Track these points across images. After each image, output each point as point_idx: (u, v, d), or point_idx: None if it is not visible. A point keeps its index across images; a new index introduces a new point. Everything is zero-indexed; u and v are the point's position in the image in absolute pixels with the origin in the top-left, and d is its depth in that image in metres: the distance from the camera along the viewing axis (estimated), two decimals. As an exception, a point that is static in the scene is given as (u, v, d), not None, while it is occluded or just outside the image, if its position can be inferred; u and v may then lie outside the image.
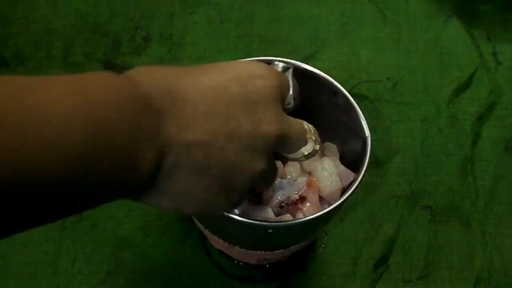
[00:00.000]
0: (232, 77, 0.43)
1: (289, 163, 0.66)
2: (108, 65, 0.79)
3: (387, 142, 0.76)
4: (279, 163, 0.65)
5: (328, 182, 0.62)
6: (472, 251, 0.70)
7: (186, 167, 0.38)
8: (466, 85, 0.80)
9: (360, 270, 0.68)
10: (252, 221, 0.51)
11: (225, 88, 0.41)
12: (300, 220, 0.56)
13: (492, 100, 0.79)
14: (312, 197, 0.61)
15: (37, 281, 0.66)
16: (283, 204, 0.61)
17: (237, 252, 0.63)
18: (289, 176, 0.63)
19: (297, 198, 0.61)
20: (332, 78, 0.64)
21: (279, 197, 0.60)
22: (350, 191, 0.57)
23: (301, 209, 0.60)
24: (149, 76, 0.40)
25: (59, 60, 0.79)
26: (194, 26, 0.83)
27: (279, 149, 0.46)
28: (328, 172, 0.63)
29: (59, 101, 0.30)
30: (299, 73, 0.66)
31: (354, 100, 0.63)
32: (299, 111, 0.71)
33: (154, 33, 0.82)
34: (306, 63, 0.65)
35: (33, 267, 0.67)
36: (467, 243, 0.70)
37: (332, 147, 0.67)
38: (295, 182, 0.61)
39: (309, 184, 0.61)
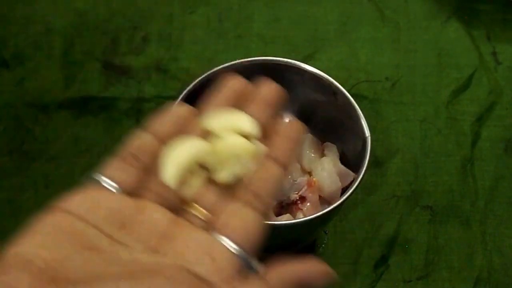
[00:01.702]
0: None
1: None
2: (107, 65, 0.79)
3: (387, 142, 0.76)
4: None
5: (328, 182, 0.63)
6: (472, 251, 0.70)
7: None
8: (465, 86, 0.80)
9: (360, 270, 0.68)
10: (253, 221, 0.51)
11: None
12: (300, 220, 0.56)
13: (492, 100, 0.79)
14: (312, 197, 0.62)
15: (37, 281, 0.66)
16: (283, 204, 0.61)
17: (237, 252, 0.63)
18: (289, 176, 0.63)
19: (297, 198, 0.61)
20: (332, 78, 0.64)
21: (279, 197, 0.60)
22: (350, 191, 0.57)
23: (301, 209, 0.61)
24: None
25: (58, 60, 0.79)
26: (193, 26, 0.83)
27: None
28: (328, 172, 0.63)
29: None
30: (299, 73, 0.67)
31: (353, 100, 0.63)
32: (299, 112, 0.71)
33: (153, 33, 0.82)
34: (305, 63, 0.65)
35: (33, 267, 0.66)
36: (467, 243, 0.70)
37: (332, 147, 0.67)
38: (295, 182, 0.62)
39: (309, 184, 0.62)
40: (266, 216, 0.38)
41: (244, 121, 0.40)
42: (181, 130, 0.39)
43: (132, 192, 0.37)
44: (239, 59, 0.65)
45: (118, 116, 0.76)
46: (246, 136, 0.39)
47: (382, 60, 0.82)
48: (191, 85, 0.63)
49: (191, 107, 0.40)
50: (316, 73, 0.65)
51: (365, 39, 0.83)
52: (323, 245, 0.69)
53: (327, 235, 0.70)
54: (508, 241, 0.70)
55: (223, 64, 0.65)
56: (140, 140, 0.39)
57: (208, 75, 0.64)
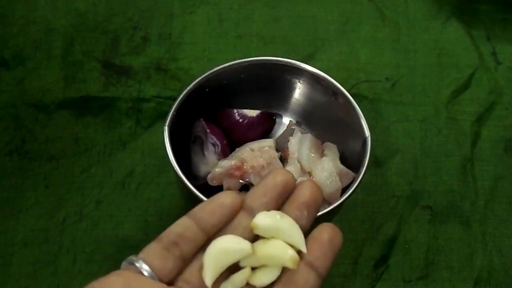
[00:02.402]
0: None
1: (289, 162, 0.66)
2: (107, 65, 0.79)
3: (386, 142, 0.76)
4: (278, 163, 0.65)
5: (328, 182, 0.63)
6: (472, 251, 0.70)
7: None
8: (465, 86, 0.80)
9: (360, 270, 0.68)
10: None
11: None
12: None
13: (492, 100, 0.79)
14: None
15: (37, 281, 0.66)
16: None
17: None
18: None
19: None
20: (332, 78, 0.64)
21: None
22: (350, 191, 0.57)
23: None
24: None
25: (59, 60, 0.79)
26: (193, 26, 0.83)
27: None
28: (328, 172, 0.63)
29: None
30: (299, 73, 0.67)
31: (353, 100, 0.63)
32: (299, 112, 0.71)
33: (153, 33, 0.82)
34: (305, 63, 0.66)
35: (33, 267, 0.67)
36: (467, 243, 0.70)
37: (332, 147, 0.67)
38: (295, 182, 0.61)
39: (309, 184, 0.61)
40: None
41: (294, 234, 0.40)
42: (225, 221, 0.40)
43: (168, 279, 0.38)
44: (239, 59, 0.65)
45: (118, 116, 0.76)
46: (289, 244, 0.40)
47: (382, 60, 0.82)
48: (191, 85, 0.63)
49: (237, 197, 0.41)
50: (316, 73, 0.65)
51: (365, 39, 0.83)
52: (323, 245, 0.69)
53: (327, 235, 0.70)
54: (508, 241, 0.70)
55: (223, 64, 0.65)
56: (182, 227, 0.40)
57: (208, 75, 0.64)
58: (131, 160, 0.73)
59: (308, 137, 0.67)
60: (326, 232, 0.40)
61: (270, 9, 0.85)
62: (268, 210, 0.40)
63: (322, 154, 0.66)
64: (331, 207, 0.56)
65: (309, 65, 0.65)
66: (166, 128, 0.60)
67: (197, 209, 0.40)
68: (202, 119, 0.67)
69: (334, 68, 0.80)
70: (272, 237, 0.40)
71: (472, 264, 0.69)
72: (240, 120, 0.68)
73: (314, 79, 0.66)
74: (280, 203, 0.41)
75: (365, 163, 0.59)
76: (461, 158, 0.75)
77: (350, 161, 0.66)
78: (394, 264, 0.69)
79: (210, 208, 0.40)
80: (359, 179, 0.58)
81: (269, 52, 0.80)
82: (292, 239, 0.40)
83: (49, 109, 0.76)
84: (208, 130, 0.66)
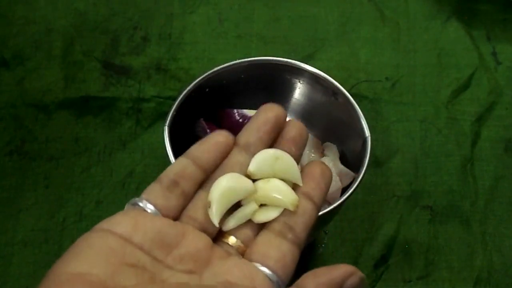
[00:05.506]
0: None
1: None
2: (107, 65, 0.79)
3: (387, 142, 0.76)
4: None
5: (328, 182, 0.62)
6: (472, 251, 0.70)
7: None
8: (465, 86, 0.80)
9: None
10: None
11: None
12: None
13: (492, 100, 0.79)
14: (312, 197, 0.61)
15: (37, 281, 0.65)
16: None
17: (237, 252, 0.63)
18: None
19: (297, 198, 0.61)
20: (332, 78, 0.64)
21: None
22: (350, 191, 0.57)
23: (301, 209, 0.60)
24: None
25: (58, 60, 0.79)
26: (193, 26, 0.83)
27: None
28: (328, 172, 0.63)
29: None
30: (299, 73, 0.67)
31: (353, 100, 0.63)
32: (299, 112, 0.71)
33: (153, 33, 0.82)
34: (305, 63, 0.65)
35: (33, 267, 0.67)
36: (467, 243, 0.70)
37: (332, 147, 0.67)
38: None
39: (309, 184, 0.61)
40: (299, 250, 0.40)
41: (290, 171, 0.41)
42: (221, 158, 0.41)
43: (172, 216, 0.39)
44: (239, 59, 0.65)
45: (118, 116, 0.76)
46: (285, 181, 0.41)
47: (382, 60, 0.82)
48: (191, 85, 0.63)
49: (229, 134, 0.42)
50: (316, 73, 0.65)
51: (365, 39, 0.83)
52: (323, 245, 0.69)
53: (327, 235, 0.70)
54: (508, 241, 0.70)
55: (223, 64, 0.65)
56: (180, 166, 0.40)
57: (208, 75, 0.64)
58: (131, 160, 0.73)
59: (308, 137, 0.67)
60: (317, 167, 0.42)
61: (270, 9, 0.85)
62: (263, 144, 0.42)
63: (322, 154, 0.66)
64: (331, 207, 0.56)
65: (309, 65, 0.65)
66: (166, 128, 0.60)
67: (192, 149, 0.41)
68: (202, 119, 0.67)
69: (334, 68, 0.80)
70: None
71: (472, 264, 0.69)
72: (240, 120, 0.68)
73: (314, 79, 0.66)
74: (273, 137, 0.42)
75: (365, 163, 0.59)
76: (461, 158, 0.75)
77: (350, 161, 0.66)
78: (394, 264, 0.69)
79: (205, 146, 0.41)
80: (359, 179, 0.58)
81: (269, 52, 0.80)
82: (289, 175, 0.41)
83: (49, 109, 0.76)
84: (208, 130, 0.66)
